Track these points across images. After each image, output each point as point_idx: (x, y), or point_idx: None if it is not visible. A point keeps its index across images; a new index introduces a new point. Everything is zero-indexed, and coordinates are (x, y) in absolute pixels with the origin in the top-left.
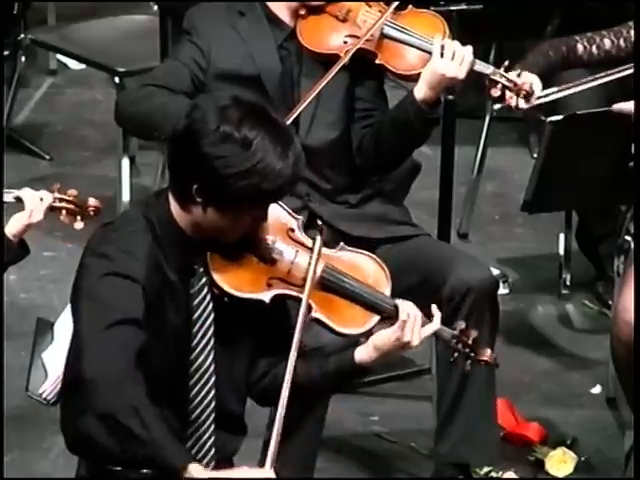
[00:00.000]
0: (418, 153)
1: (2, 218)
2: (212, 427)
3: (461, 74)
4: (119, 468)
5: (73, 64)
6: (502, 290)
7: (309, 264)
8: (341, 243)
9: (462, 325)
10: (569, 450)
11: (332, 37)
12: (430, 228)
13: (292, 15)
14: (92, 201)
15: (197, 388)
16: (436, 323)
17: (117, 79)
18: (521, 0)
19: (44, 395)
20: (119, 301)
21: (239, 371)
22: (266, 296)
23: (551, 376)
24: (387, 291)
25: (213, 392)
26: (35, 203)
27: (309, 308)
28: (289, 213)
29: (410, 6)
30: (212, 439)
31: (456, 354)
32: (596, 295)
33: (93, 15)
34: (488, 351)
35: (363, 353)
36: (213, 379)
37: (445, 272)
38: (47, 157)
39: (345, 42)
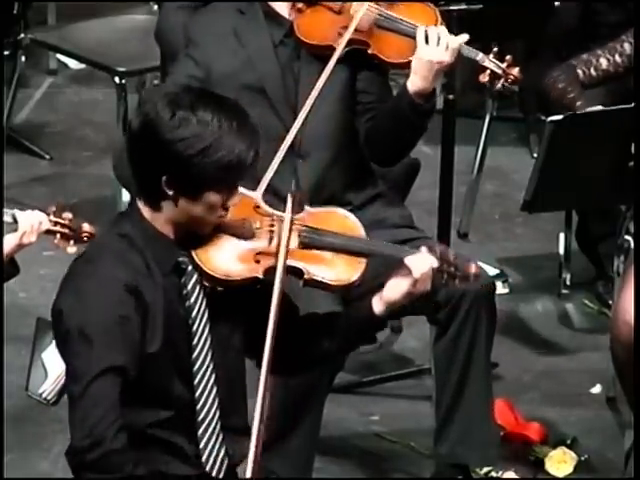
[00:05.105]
0: (417, 152)
1: (2, 218)
2: (219, 425)
3: (447, 58)
4: None
5: (73, 64)
6: (502, 290)
7: (281, 228)
8: (305, 206)
9: (441, 247)
10: (569, 450)
11: (327, 29)
12: (430, 228)
13: (291, 9)
14: (86, 226)
15: (201, 386)
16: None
17: (117, 79)
18: (521, 0)
19: (44, 395)
20: (104, 347)
21: (233, 366)
22: (259, 272)
23: (551, 376)
24: (362, 233)
25: (215, 389)
26: (29, 226)
27: (300, 273)
28: (247, 192)
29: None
30: (221, 437)
31: (444, 275)
32: (596, 295)
33: (93, 15)
34: (472, 265)
35: (380, 305)
36: (214, 376)
37: None
38: (47, 157)
39: (340, 34)
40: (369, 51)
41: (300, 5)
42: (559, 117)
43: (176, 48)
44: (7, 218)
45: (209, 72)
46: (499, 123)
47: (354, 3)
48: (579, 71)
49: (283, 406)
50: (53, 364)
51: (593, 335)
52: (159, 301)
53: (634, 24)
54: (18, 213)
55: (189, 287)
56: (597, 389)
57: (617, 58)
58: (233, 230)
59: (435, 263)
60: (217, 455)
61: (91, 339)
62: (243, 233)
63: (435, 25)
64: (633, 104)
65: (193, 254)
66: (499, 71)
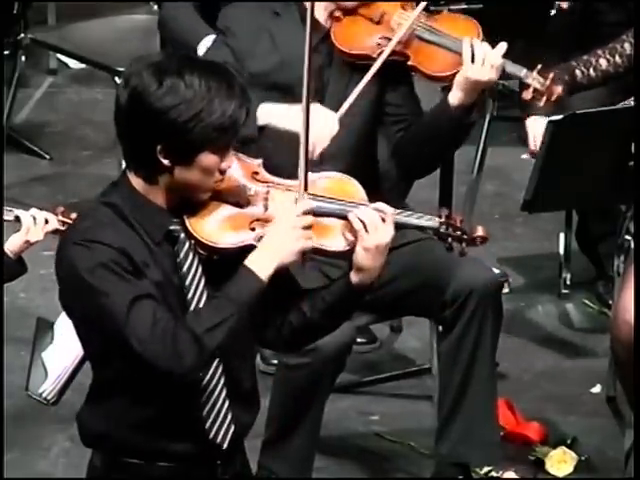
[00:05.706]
0: None
1: (2, 220)
2: (224, 392)
3: (494, 77)
4: (137, 461)
5: (73, 63)
6: (502, 290)
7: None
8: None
9: (445, 211)
10: (569, 450)
11: (366, 38)
12: None
13: (328, 16)
14: None
15: None
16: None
17: (117, 79)
18: (521, 0)
19: (44, 395)
20: (116, 288)
21: (239, 336)
22: (253, 239)
23: (551, 376)
24: (363, 197)
25: (217, 359)
26: (31, 221)
27: None
28: (247, 158)
29: (445, 10)
30: (226, 404)
31: (449, 239)
32: (596, 294)
33: (93, 15)
34: (479, 228)
35: (354, 276)
36: None
37: (448, 274)
38: (47, 157)
39: (378, 44)
40: (409, 62)
41: (338, 14)
42: (559, 117)
43: (178, 36)
44: (9, 217)
45: (242, 63)
46: (499, 123)
47: (394, 15)
48: (577, 72)
49: (284, 406)
50: (53, 364)
51: (593, 335)
52: (152, 267)
53: (634, 24)
54: (21, 212)
55: (182, 255)
56: (597, 389)
57: (617, 59)
58: (227, 197)
59: (389, 209)
60: (222, 422)
61: (100, 289)
62: (238, 200)
63: (477, 38)
64: (633, 104)
65: (186, 222)
66: (542, 88)
